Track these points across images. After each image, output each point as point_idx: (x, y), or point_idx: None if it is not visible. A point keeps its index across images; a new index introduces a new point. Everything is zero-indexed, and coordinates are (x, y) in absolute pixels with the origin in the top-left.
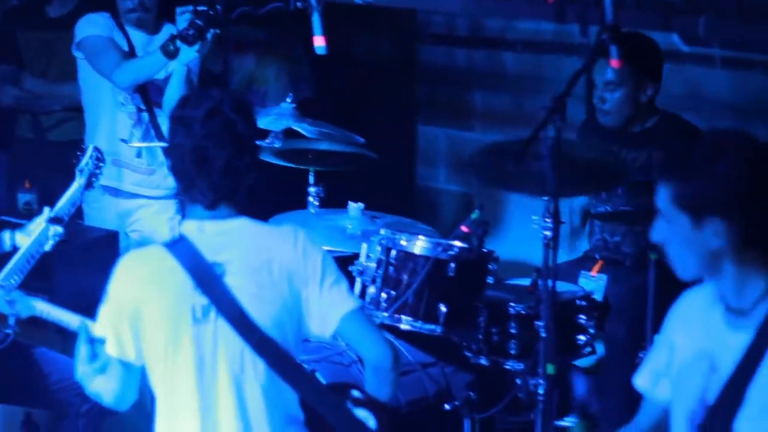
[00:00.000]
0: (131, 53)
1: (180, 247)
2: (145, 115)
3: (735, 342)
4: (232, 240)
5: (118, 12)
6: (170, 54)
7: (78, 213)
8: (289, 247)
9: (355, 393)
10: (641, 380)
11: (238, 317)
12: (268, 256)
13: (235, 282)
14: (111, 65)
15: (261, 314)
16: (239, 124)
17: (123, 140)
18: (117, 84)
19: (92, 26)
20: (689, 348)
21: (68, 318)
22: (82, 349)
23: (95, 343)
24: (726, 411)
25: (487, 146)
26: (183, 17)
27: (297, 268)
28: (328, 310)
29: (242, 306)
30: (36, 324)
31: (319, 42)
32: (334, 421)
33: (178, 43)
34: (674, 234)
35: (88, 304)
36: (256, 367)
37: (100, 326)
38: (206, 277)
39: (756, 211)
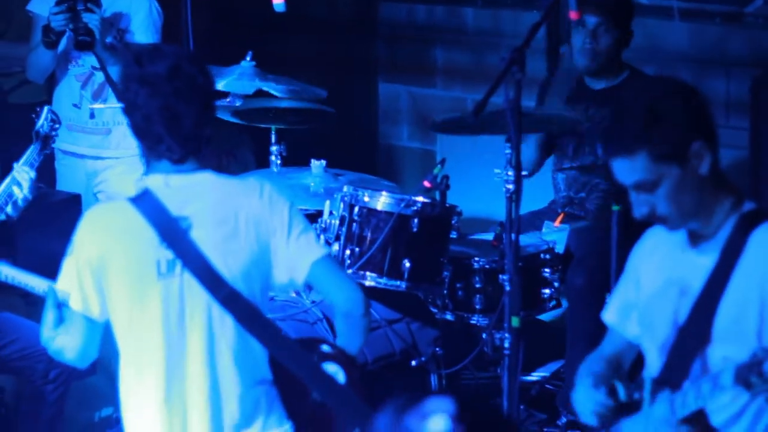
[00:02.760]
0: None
1: (145, 202)
2: (99, 75)
3: (702, 263)
4: (197, 193)
5: None
6: (51, 44)
7: (42, 175)
8: (255, 199)
9: (325, 347)
10: (609, 315)
11: (204, 271)
12: (234, 208)
13: (201, 235)
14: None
15: (228, 267)
16: (200, 78)
17: (75, 105)
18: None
19: (40, 4)
20: (656, 279)
21: (34, 282)
22: (48, 314)
23: (62, 308)
24: (698, 329)
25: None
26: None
27: (264, 219)
28: (298, 258)
29: (209, 259)
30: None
31: (278, 0)
32: (302, 376)
33: (52, 35)
34: (665, 190)
35: (51, 268)
36: (224, 322)
37: (63, 280)
38: (172, 231)
39: (714, 136)
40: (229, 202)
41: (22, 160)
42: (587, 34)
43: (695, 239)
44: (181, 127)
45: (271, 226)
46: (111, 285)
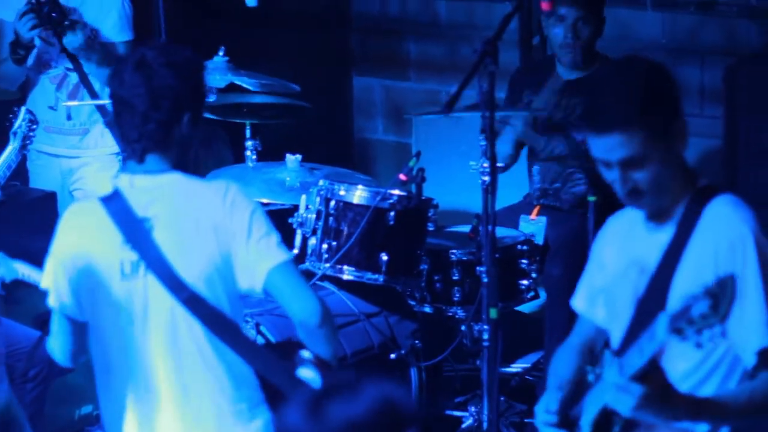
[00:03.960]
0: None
1: (113, 202)
2: (74, 75)
3: (656, 240)
4: (161, 195)
5: None
6: (20, 60)
7: (15, 174)
8: (217, 202)
9: (304, 353)
10: (578, 302)
11: (166, 273)
12: (196, 211)
13: (163, 237)
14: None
15: (189, 270)
16: (159, 77)
17: (51, 107)
18: None
19: (5, 8)
20: (618, 262)
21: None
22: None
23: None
24: (654, 302)
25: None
26: (21, 23)
27: (224, 223)
28: (255, 264)
29: (169, 262)
30: None
31: None
32: (274, 381)
33: (20, 51)
34: (652, 167)
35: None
36: (189, 323)
37: (45, 278)
38: (135, 233)
39: (667, 119)
40: (192, 204)
41: None
42: (567, 28)
43: (654, 218)
44: (133, 121)
45: (231, 230)
46: (80, 284)
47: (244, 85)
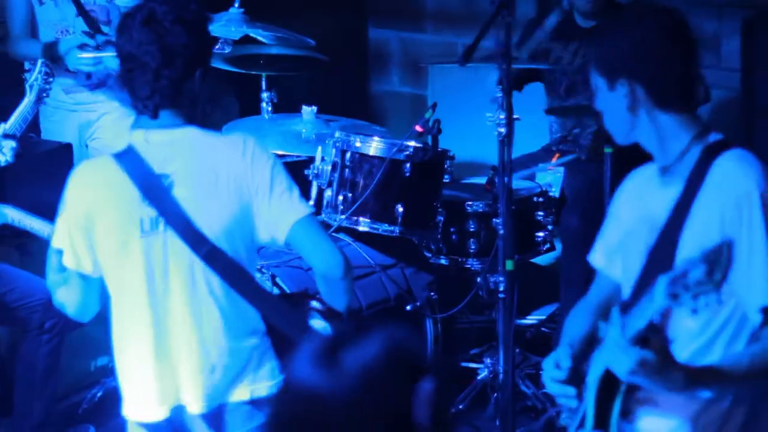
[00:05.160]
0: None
1: (127, 158)
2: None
3: (667, 195)
4: (179, 150)
5: None
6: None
7: (32, 128)
8: (237, 156)
9: (314, 303)
10: (596, 257)
11: (186, 229)
12: (216, 166)
13: (183, 193)
14: (15, 25)
15: (210, 225)
16: (171, 35)
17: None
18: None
19: None
20: (631, 218)
21: (39, 226)
22: (52, 257)
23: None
24: (662, 258)
25: None
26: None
27: (245, 177)
28: (278, 218)
29: (190, 217)
30: None
31: None
32: (287, 331)
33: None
34: (600, 99)
35: (44, 218)
36: (208, 279)
37: (57, 238)
38: (154, 189)
39: (663, 75)
40: (211, 159)
41: (11, 120)
42: None
43: (662, 172)
44: (146, 77)
45: (253, 184)
46: (99, 240)
47: (259, 38)
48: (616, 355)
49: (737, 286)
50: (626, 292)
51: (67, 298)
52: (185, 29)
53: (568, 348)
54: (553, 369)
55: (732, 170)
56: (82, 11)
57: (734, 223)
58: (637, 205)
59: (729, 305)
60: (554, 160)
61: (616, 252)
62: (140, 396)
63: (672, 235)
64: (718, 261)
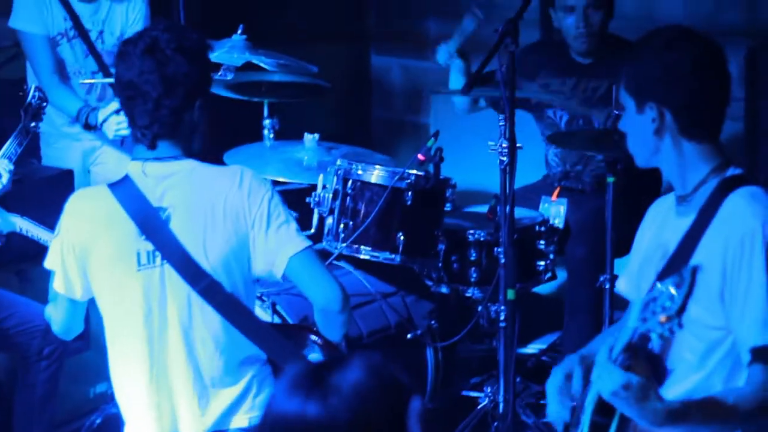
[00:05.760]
0: (77, 25)
1: (124, 190)
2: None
3: (681, 225)
4: (176, 183)
5: None
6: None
7: (33, 153)
8: (234, 188)
9: (313, 338)
10: (622, 285)
11: (184, 263)
12: (213, 199)
13: (180, 227)
14: (43, 73)
15: (207, 258)
16: (172, 64)
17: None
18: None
19: (25, 19)
20: (650, 244)
21: (46, 236)
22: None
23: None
24: None
25: None
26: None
27: (242, 210)
28: (276, 252)
29: (188, 252)
30: None
31: None
32: (282, 363)
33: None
34: (626, 120)
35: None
36: (204, 312)
37: (50, 260)
38: (151, 223)
39: (694, 104)
40: (208, 192)
41: (5, 147)
42: (579, 17)
43: (680, 201)
44: (144, 107)
45: (250, 217)
46: (93, 273)
47: (262, 65)
48: (602, 375)
49: (733, 324)
50: None
51: (54, 316)
52: (187, 59)
53: (581, 366)
54: (562, 379)
55: (741, 207)
56: (93, 52)
57: (735, 260)
58: (656, 233)
59: (728, 341)
60: (555, 197)
61: (637, 278)
62: (139, 424)
63: (678, 264)
64: (681, 285)
